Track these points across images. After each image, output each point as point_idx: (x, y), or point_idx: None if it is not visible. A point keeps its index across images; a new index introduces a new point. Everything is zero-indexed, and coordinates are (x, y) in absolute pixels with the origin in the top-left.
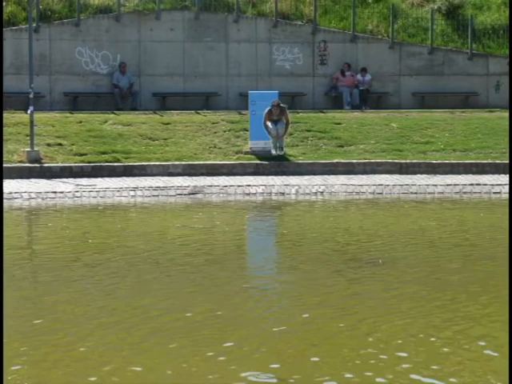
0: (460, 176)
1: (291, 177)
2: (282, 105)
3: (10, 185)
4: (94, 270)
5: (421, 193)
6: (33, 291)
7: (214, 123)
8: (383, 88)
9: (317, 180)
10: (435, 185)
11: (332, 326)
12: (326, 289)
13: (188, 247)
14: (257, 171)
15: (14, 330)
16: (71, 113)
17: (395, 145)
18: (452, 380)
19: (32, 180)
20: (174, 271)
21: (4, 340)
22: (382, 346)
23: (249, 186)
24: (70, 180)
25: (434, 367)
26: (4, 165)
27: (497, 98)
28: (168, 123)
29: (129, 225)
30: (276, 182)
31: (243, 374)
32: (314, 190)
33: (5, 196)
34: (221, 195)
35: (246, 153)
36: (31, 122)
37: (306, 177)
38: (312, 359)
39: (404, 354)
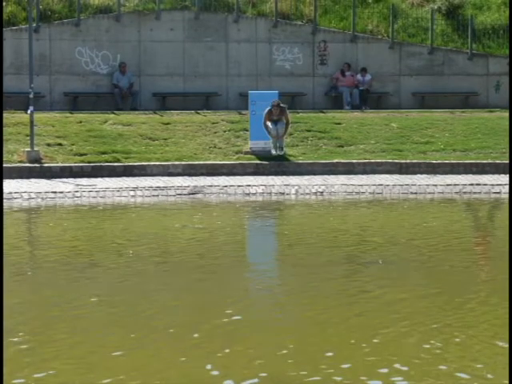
0: (460, 176)
1: (291, 177)
2: (282, 105)
3: (9, 185)
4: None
5: (421, 193)
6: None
7: (213, 123)
8: (383, 88)
9: (317, 180)
10: (435, 185)
11: (332, 327)
12: (326, 289)
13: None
14: (257, 171)
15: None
16: (71, 113)
17: (395, 145)
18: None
19: (32, 180)
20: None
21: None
22: (384, 346)
23: (249, 186)
24: (70, 180)
25: (434, 367)
26: (4, 165)
27: (497, 98)
28: (168, 123)
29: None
30: (276, 182)
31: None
32: (313, 190)
33: (5, 196)
34: (221, 195)
35: (246, 153)
36: (31, 122)
37: (306, 177)
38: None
39: (405, 354)
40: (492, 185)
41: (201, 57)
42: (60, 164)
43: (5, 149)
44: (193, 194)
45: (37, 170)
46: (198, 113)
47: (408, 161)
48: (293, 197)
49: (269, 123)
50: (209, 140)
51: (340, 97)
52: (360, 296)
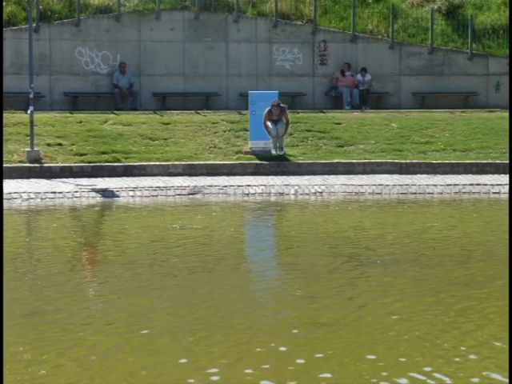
0: (460, 176)
1: (291, 177)
2: (281, 105)
3: (9, 185)
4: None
5: (421, 193)
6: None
7: (214, 123)
8: (383, 88)
9: (317, 180)
10: (435, 185)
11: (332, 326)
12: (325, 288)
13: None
14: (257, 171)
15: None
16: (71, 113)
17: (395, 145)
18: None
19: (32, 180)
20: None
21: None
22: (385, 347)
23: (249, 186)
24: (70, 180)
25: (434, 367)
26: (4, 165)
27: (497, 98)
28: (168, 123)
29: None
30: (276, 182)
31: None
32: (313, 190)
33: (4, 196)
34: (220, 195)
35: (246, 153)
36: (31, 122)
37: (306, 177)
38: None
39: (405, 355)
40: (492, 185)
41: (201, 57)
42: (60, 164)
43: (5, 149)
44: (192, 194)
45: (37, 170)
46: (198, 113)
47: (408, 161)
48: (292, 197)
49: (269, 123)
50: (209, 140)
51: (340, 97)
52: (358, 296)
